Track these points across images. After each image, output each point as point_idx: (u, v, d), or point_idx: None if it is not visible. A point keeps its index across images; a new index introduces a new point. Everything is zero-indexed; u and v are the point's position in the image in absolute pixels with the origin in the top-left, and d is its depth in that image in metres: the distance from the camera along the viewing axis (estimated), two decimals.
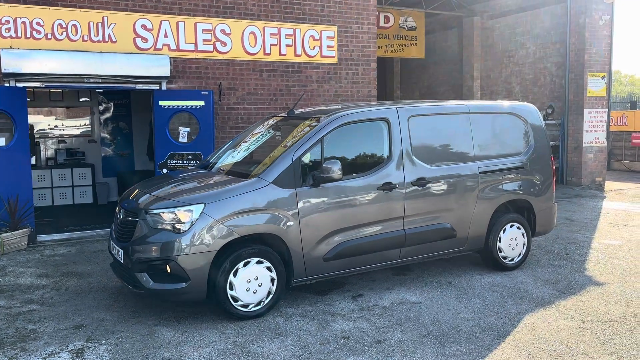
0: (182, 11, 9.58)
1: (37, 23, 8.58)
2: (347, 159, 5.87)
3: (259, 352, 4.50)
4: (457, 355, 4.47)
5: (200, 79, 9.81)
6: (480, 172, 6.43)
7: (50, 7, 8.66)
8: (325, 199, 5.47)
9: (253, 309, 5.21)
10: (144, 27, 9.29)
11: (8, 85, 8.46)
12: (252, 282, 5.15)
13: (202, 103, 9.38)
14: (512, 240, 6.73)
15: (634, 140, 19.52)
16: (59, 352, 4.50)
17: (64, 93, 12.61)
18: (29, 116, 8.71)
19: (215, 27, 9.82)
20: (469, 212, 6.37)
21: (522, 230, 6.83)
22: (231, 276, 5.07)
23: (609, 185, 15.00)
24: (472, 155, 6.44)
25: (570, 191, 13.82)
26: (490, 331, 4.93)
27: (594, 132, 14.59)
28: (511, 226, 6.75)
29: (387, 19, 16.78)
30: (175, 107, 9.34)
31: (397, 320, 5.19)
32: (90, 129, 13.05)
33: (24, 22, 8.49)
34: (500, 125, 6.77)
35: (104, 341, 4.71)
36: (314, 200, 5.41)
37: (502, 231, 6.67)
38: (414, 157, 6.03)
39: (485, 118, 6.67)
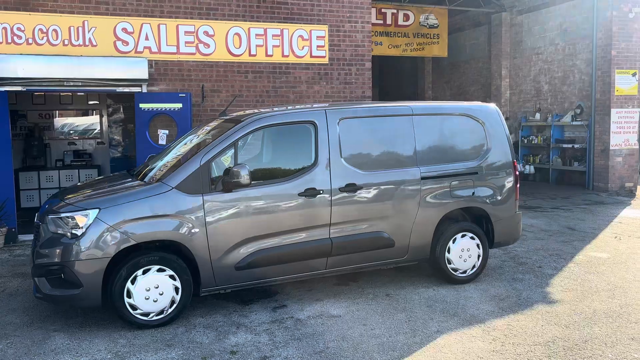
0: (164, 14, 9.59)
1: (18, 28, 8.81)
2: (268, 163, 5.62)
3: None
4: None
5: (182, 81, 9.80)
6: (422, 178, 6.00)
7: (30, 13, 8.87)
8: (236, 205, 5.24)
9: (155, 318, 5.05)
10: (124, 30, 9.37)
11: None
12: (152, 290, 5.00)
13: (179, 105, 9.36)
14: (463, 251, 6.25)
15: None
16: None
17: (74, 96, 12.96)
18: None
19: (198, 29, 9.78)
20: (409, 220, 5.96)
21: (477, 241, 6.33)
22: (129, 284, 4.94)
23: None
24: (414, 159, 6.02)
25: (593, 197, 12.88)
26: (391, 351, 4.56)
27: (622, 133, 13.56)
28: (463, 236, 6.27)
29: (406, 17, 16.29)
30: (154, 109, 9.36)
31: (301, 334, 4.90)
32: (99, 131, 13.36)
33: (4, 28, 8.74)
34: (451, 127, 6.30)
35: None
36: (223, 207, 5.19)
37: (451, 241, 6.21)
38: (343, 162, 5.69)
39: (432, 120, 6.22)
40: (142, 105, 9.38)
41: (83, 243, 4.81)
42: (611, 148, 13.50)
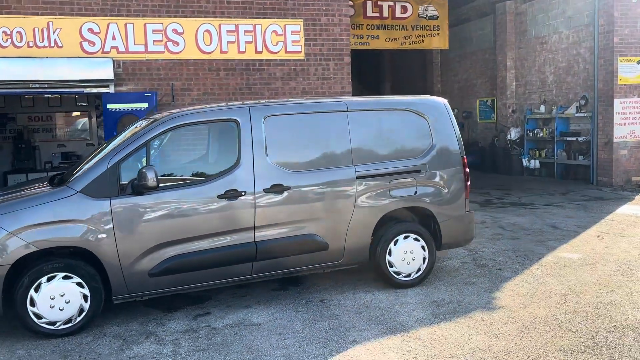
0: (131, 12, 9.46)
1: None
2: (185, 164, 5.40)
3: None
4: None
5: (152, 81, 9.66)
6: (358, 177, 5.67)
7: None
8: (147, 209, 5.02)
9: (62, 327, 4.88)
10: (90, 30, 9.28)
11: None
12: (57, 298, 4.82)
13: (145, 105, 9.21)
14: (406, 254, 5.89)
15: None
16: None
17: (62, 99, 13.00)
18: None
19: (166, 27, 9.62)
20: (343, 221, 5.64)
21: (422, 243, 5.96)
22: (32, 292, 4.77)
23: None
24: (348, 158, 5.69)
25: (594, 193, 12.24)
26: None
27: (627, 125, 12.84)
28: (405, 237, 5.91)
29: (403, 9, 15.80)
30: (122, 109, 9.25)
31: (207, 345, 4.65)
32: (88, 133, 13.38)
33: None
34: (391, 123, 5.94)
35: None
36: (133, 211, 4.98)
37: (392, 243, 5.86)
38: (269, 162, 5.41)
39: (370, 116, 5.88)
40: (109, 106, 9.28)
41: None
42: (615, 140, 12.80)
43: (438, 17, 16.19)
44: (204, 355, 4.47)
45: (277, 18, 10.18)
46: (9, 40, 8.92)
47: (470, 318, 5.10)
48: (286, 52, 10.29)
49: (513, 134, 16.36)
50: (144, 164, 5.17)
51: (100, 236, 4.88)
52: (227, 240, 5.26)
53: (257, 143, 5.39)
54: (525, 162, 15.75)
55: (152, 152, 5.21)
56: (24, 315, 4.78)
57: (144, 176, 4.85)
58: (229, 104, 5.72)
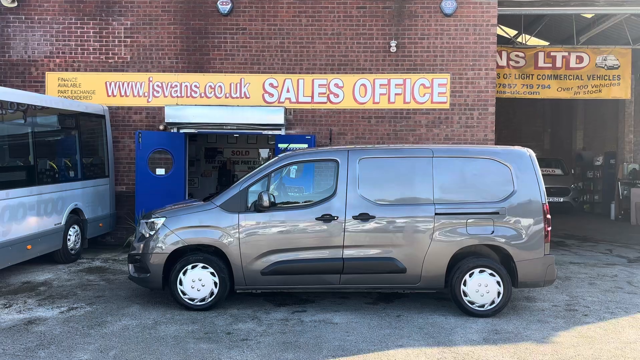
0: (303, 70, 11.57)
1: (195, 86, 11.65)
2: (296, 191, 6.96)
3: (161, 330, 6.06)
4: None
5: (314, 126, 11.60)
6: (437, 214, 6.65)
7: (204, 74, 11.65)
8: (264, 223, 6.69)
9: (198, 303, 6.74)
10: (271, 84, 11.59)
11: (171, 131, 11.67)
12: (196, 282, 6.71)
13: (305, 146, 11.12)
14: (480, 286, 6.63)
15: None
16: (77, 307, 6.87)
17: (257, 138, 15.78)
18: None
19: (329, 82, 11.53)
20: (420, 250, 6.64)
21: (497, 278, 6.64)
22: (181, 275, 6.73)
23: None
24: (430, 197, 6.70)
25: None
26: (340, 351, 5.46)
27: None
28: (481, 272, 6.66)
29: (579, 59, 15.70)
30: (286, 148, 11.29)
31: (290, 330, 6.07)
32: None
33: (186, 85, 11.66)
34: (474, 169, 6.80)
35: (92, 306, 6.92)
36: (253, 224, 6.69)
37: (468, 275, 6.66)
38: (360, 195, 6.71)
39: (454, 162, 6.82)
40: (280, 145, 11.41)
41: (152, 242, 6.77)
42: None
43: (619, 66, 15.73)
44: (282, 336, 5.91)
45: (426, 73, 11.42)
46: (212, 92, 11.63)
47: (515, 346, 5.72)
48: (432, 102, 11.44)
49: None
50: (265, 190, 6.85)
51: (229, 240, 6.68)
52: (320, 253, 6.68)
53: (351, 179, 6.75)
54: None
55: (272, 180, 6.91)
56: (174, 291, 6.75)
57: (261, 198, 6.55)
58: (332, 147, 7.19)
